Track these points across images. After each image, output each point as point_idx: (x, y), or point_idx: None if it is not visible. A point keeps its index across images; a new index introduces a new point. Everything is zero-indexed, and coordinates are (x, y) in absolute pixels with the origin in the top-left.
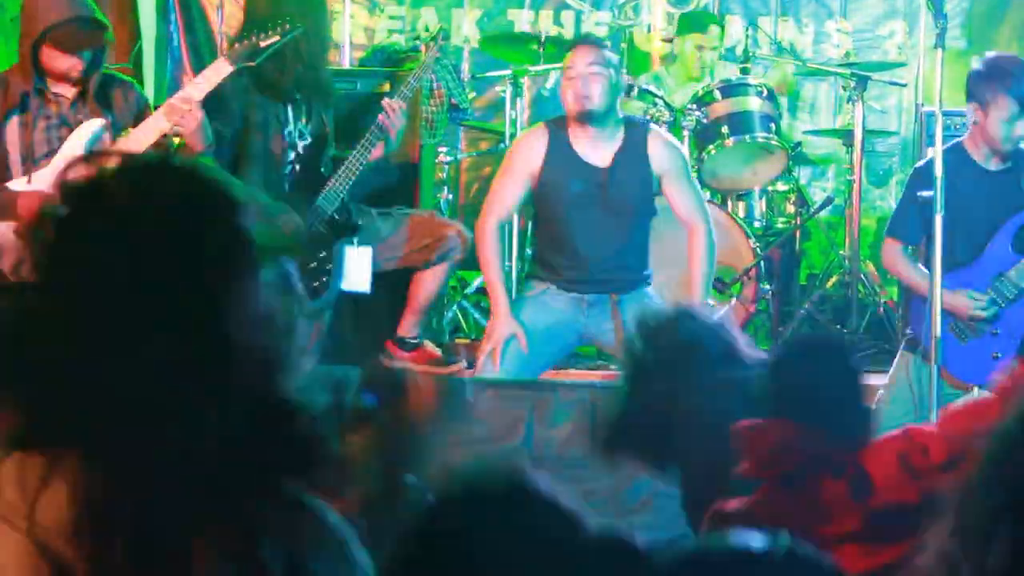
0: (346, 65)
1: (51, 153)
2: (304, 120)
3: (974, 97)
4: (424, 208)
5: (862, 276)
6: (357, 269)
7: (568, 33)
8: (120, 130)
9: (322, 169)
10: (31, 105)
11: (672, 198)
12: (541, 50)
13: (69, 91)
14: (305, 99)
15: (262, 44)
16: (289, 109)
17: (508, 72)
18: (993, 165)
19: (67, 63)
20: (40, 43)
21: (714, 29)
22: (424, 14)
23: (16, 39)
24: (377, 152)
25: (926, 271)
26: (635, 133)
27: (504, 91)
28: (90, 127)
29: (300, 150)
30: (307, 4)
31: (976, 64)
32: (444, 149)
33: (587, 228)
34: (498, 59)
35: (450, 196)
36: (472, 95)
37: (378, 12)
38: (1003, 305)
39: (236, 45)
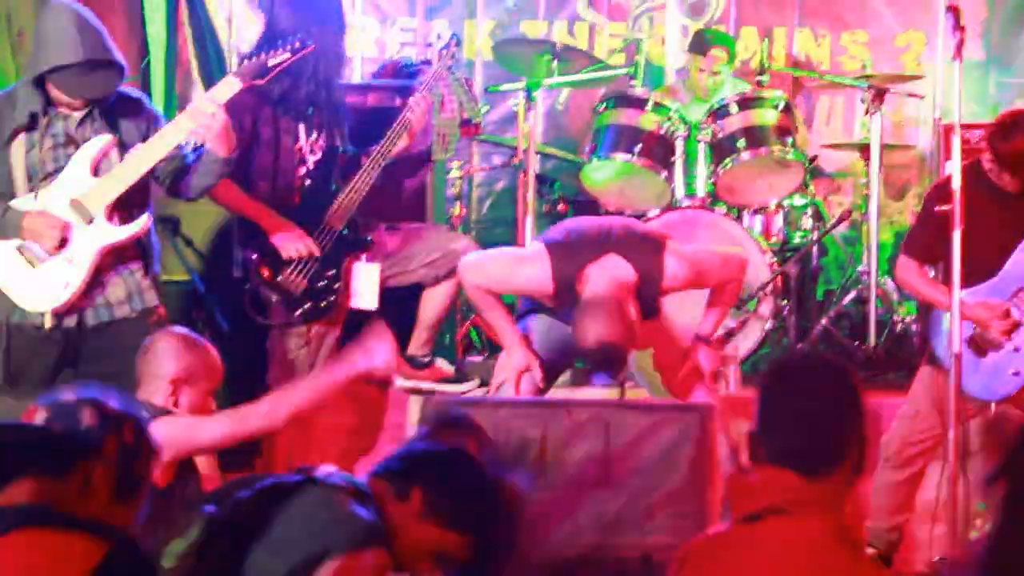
0: (357, 79)
1: (57, 171)
2: (315, 136)
3: (989, 144)
4: (435, 223)
5: (880, 292)
6: (365, 286)
7: (581, 45)
8: (129, 147)
9: (332, 185)
10: (38, 123)
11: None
12: (555, 63)
13: (77, 110)
14: (317, 115)
15: (270, 63)
16: (300, 125)
17: (521, 85)
18: (1012, 187)
19: (71, 100)
20: (45, 78)
21: (714, 53)
22: (436, 26)
23: (23, 53)
24: (399, 149)
25: (943, 286)
26: (647, 261)
27: (517, 105)
28: (97, 143)
29: (311, 166)
30: (328, 21)
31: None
32: (456, 163)
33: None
34: (511, 72)
35: (464, 211)
36: (485, 109)
37: (389, 24)
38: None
39: (246, 62)
